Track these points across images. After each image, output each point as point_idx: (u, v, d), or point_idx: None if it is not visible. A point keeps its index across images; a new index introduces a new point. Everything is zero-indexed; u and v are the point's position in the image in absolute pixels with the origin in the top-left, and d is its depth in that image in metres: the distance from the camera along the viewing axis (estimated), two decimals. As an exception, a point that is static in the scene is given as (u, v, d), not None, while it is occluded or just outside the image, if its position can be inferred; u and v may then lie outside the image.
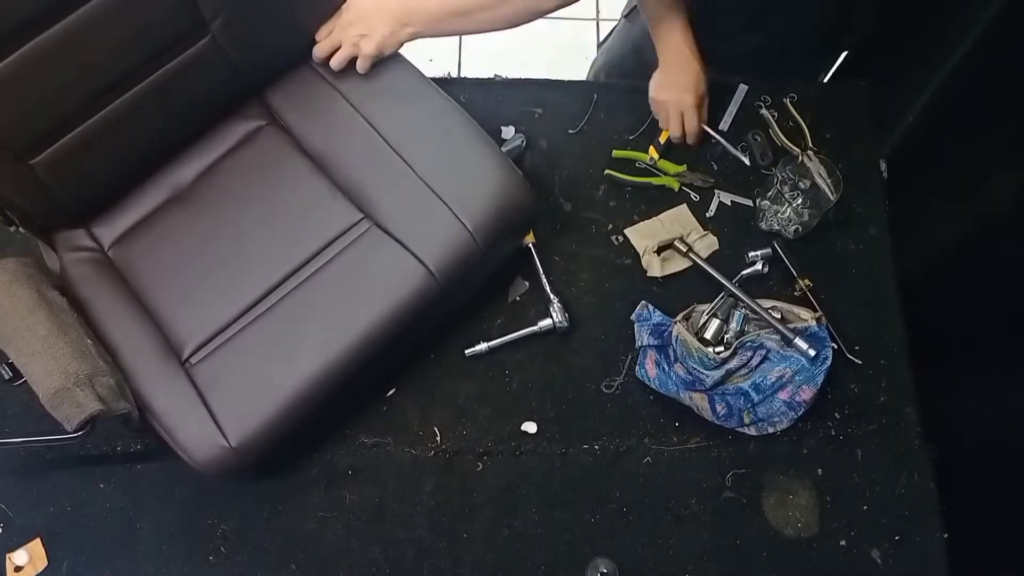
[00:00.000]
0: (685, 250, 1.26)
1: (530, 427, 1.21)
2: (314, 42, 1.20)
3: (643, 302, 1.23)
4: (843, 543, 1.15)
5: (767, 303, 1.22)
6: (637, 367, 1.22)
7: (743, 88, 1.41)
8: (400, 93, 1.19)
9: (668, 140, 1.35)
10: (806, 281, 1.26)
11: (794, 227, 1.28)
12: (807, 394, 1.16)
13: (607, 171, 1.34)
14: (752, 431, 1.19)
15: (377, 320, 1.06)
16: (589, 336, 1.26)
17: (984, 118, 1.32)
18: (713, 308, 1.22)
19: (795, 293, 1.27)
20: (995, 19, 1.25)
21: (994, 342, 1.24)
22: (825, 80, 1.57)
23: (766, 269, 1.27)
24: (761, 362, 1.17)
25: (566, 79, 1.46)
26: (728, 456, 1.19)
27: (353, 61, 1.18)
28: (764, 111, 1.39)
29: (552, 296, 1.25)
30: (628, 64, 1.52)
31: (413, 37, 1.18)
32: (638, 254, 1.30)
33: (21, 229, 1.11)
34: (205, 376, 1.06)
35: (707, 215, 1.33)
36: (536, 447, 1.20)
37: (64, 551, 1.14)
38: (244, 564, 1.14)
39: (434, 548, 1.14)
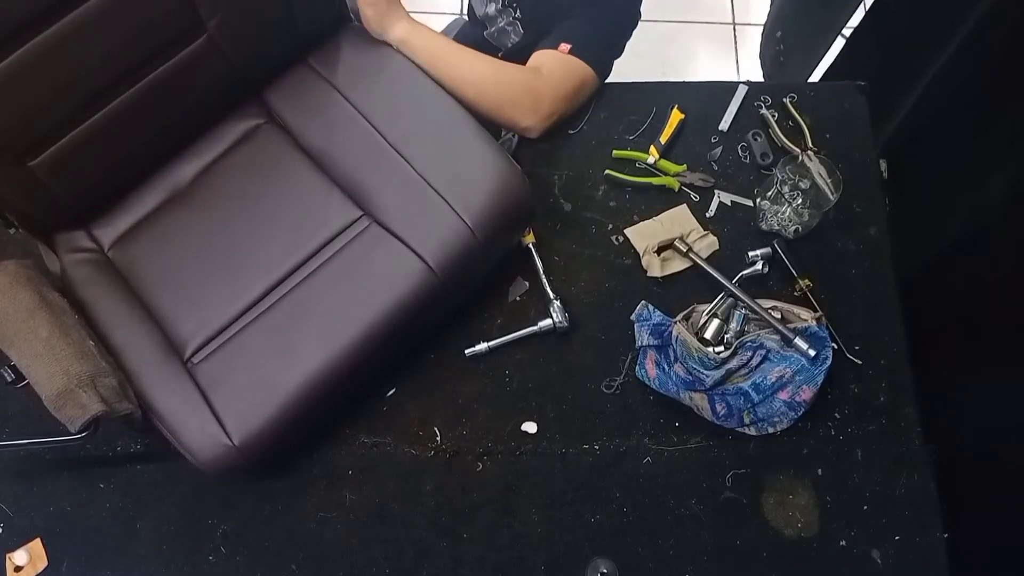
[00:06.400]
0: (685, 250, 1.26)
1: (530, 427, 1.21)
2: (311, 41, 1.20)
3: (643, 302, 1.23)
4: (843, 543, 1.15)
5: (767, 303, 1.22)
6: (637, 367, 1.22)
7: (743, 88, 1.41)
8: (398, 90, 1.20)
9: (669, 140, 1.35)
10: (806, 281, 1.26)
11: (794, 227, 1.28)
12: (807, 394, 1.16)
13: (607, 171, 1.34)
14: (752, 431, 1.19)
15: (378, 317, 1.06)
16: (589, 336, 1.26)
17: (979, 116, 1.32)
18: (713, 308, 1.22)
19: (795, 293, 1.27)
20: (988, 17, 1.25)
21: (994, 342, 1.24)
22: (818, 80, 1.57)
23: (766, 269, 1.27)
24: (761, 362, 1.17)
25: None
26: (728, 456, 1.19)
27: (351, 62, 1.19)
28: (764, 111, 1.39)
29: (552, 296, 1.25)
30: None
31: (398, 36, 1.20)
32: (638, 254, 1.30)
33: (21, 231, 1.11)
34: (207, 375, 1.06)
35: (707, 215, 1.33)
36: (536, 447, 1.20)
37: (64, 551, 1.14)
38: (244, 564, 1.14)
39: (434, 548, 1.15)
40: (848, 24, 1.78)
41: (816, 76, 1.88)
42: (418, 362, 1.24)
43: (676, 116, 1.37)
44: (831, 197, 1.25)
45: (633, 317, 1.23)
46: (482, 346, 1.23)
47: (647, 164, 1.35)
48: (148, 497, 1.17)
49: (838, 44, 1.77)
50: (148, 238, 1.15)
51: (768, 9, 2.01)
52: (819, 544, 1.15)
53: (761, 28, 2.05)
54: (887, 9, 1.53)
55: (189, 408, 1.04)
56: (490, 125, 1.21)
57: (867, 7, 1.59)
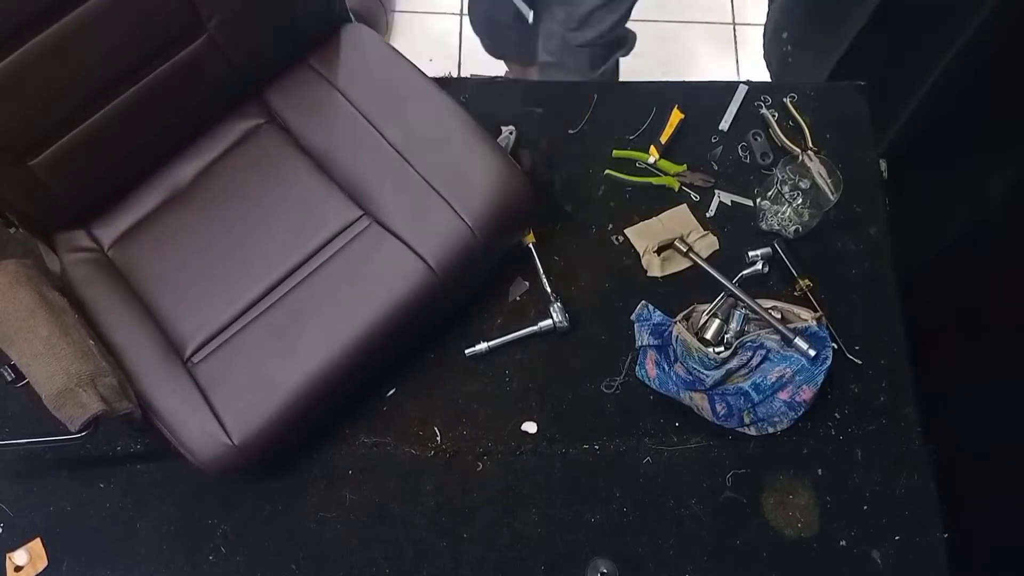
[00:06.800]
0: (685, 250, 1.26)
1: (530, 427, 1.21)
2: (311, 41, 1.20)
3: (643, 302, 1.23)
4: (843, 543, 1.15)
5: (767, 303, 1.22)
6: (637, 367, 1.22)
7: (743, 88, 1.41)
8: (398, 90, 1.19)
9: (668, 140, 1.35)
10: (806, 281, 1.26)
11: (794, 227, 1.28)
12: (807, 394, 1.16)
13: (607, 171, 1.34)
14: (752, 431, 1.19)
15: (378, 317, 1.06)
16: (589, 336, 1.26)
17: (980, 116, 1.32)
18: (713, 308, 1.22)
19: (795, 293, 1.27)
20: (990, 18, 1.25)
21: (994, 342, 1.24)
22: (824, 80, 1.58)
23: (766, 269, 1.27)
24: (761, 362, 1.17)
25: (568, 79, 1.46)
26: (728, 456, 1.19)
27: (351, 62, 1.19)
28: (764, 111, 1.39)
29: (552, 296, 1.25)
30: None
31: None
32: (638, 254, 1.30)
33: (21, 230, 1.11)
34: (207, 375, 1.06)
35: (707, 215, 1.33)
36: (536, 447, 1.20)
37: (64, 551, 1.14)
38: (244, 564, 1.14)
39: (434, 548, 1.15)
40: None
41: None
42: (418, 362, 1.24)
43: (676, 116, 1.37)
44: (831, 197, 1.25)
45: (633, 317, 1.23)
46: (482, 346, 1.23)
47: (647, 164, 1.35)
48: (148, 497, 1.17)
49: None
50: (148, 238, 1.15)
51: (767, 10, 2.00)
52: (819, 544, 1.15)
53: (762, 28, 2.05)
54: (889, 11, 1.53)
55: (189, 408, 1.03)
56: (490, 125, 1.21)
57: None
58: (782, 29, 1.89)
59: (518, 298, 1.28)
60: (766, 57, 2.02)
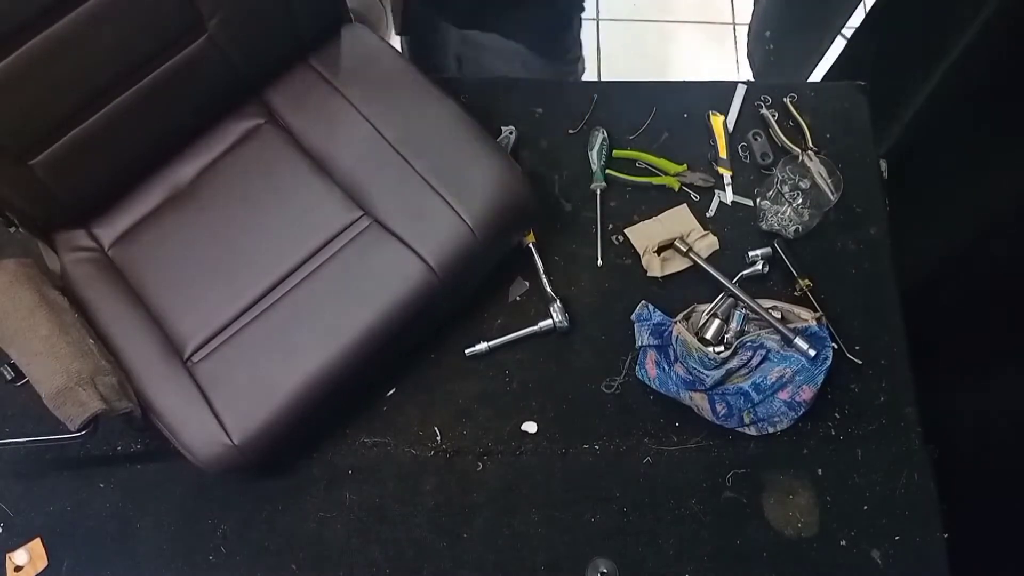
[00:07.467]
0: (685, 250, 1.26)
1: (530, 427, 1.21)
2: (311, 41, 1.20)
3: (643, 302, 1.23)
4: (843, 543, 1.15)
5: (767, 303, 1.22)
6: (637, 367, 1.22)
7: (743, 88, 1.41)
8: (398, 90, 1.19)
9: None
10: (806, 281, 1.26)
11: (794, 227, 1.28)
12: (807, 394, 1.16)
13: (607, 171, 1.34)
14: (752, 431, 1.19)
15: (378, 316, 1.07)
16: (589, 336, 1.26)
17: (982, 117, 1.32)
18: (713, 308, 1.22)
19: (795, 293, 1.27)
20: (991, 18, 1.25)
21: (994, 342, 1.24)
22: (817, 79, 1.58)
23: (766, 269, 1.27)
24: (761, 362, 1.17)
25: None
26: (728, 456, 1.19)
27: (351, 62, 1.19)
28: (764, 111, 1.39)
29: (552, 296, 1.25)
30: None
31: None
32: (638, 254, 1.30)
33: (21, 230, 1.11)
34: (207, 374, 1.06)
35: (707, 215, 1.33)
36: (536, 447, 1.20)
37: (64, 551, 1.14)
38: (244, 564, 1.14)
39: (434, 548, 1.14)
40: (848, 24, 1.78)
41: (814, 76, 1.88)
42: (418, 362, 1.24)
43: (716, 121, 1.37)
44: (831, 197, 1.25)
45: (633, 317, 1.23)
46: (482, 346, 1.23)
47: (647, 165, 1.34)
48: (148, 497, 1.17)
49: (838, 44, 1.77)
50: (148, 237, 1.15)
51: (752, 8, 2.01)
52: (819, 544, 1.15)
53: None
54: (887, 9, 1.53)
55: (189, 407, 1.04)
56: (490, 125, 1.21)
57: (867, 7, 1.59)
58: (765, 28, 1.90)
59: (518, 298, 1.28)
60: (749, 56, 2.03)
